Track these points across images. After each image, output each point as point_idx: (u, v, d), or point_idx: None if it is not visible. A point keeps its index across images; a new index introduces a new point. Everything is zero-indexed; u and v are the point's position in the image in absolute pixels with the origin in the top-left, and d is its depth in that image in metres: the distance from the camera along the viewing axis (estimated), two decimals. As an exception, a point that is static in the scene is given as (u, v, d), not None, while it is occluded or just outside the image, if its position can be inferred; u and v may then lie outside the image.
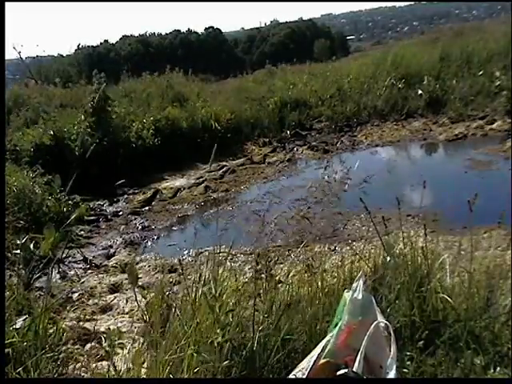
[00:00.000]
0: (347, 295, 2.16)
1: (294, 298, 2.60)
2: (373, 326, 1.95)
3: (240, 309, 2.36)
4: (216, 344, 2.12)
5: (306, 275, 3.00)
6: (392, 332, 1.93)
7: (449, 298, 2.45)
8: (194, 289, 2.51)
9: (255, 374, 2.17)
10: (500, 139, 7.43)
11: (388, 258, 2.73)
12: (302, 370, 1.96)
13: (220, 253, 4.66)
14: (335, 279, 2.82)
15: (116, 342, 2.30)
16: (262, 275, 2.76)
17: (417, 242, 2.85)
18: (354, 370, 1.81)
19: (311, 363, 1.94)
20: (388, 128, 9.30)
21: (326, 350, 1.99)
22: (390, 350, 1.89)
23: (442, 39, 13.39)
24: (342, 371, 1.84)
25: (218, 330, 2.15)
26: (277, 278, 3.12)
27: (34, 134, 7.90)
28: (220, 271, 2.66)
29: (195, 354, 2.07)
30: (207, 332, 2.20)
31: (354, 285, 2.16)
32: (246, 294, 2.52)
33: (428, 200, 5.28)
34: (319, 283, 2.69)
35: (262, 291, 2.60)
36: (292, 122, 9.90)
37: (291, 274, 3.29)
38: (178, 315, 2.41)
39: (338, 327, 2.05)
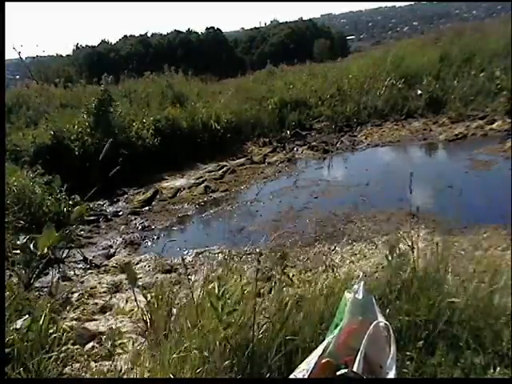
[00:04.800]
0: (348, 296, 2.16)
1: (295, 297, 2.61)
2: (372, 325, 1.95)
3: (243, 308, 2.36)
4: (218, 343, 2.13)
5: (306, 275, 3.00)
6: (392, 332, 1.93)
7: (449, 298, 2.45)
8: (198, 289, 2.51)
9: (256, 373, 2.17)
10: (500, 139, 7.43)
11: (389, 258, 2.73)
12: (302, 371, 1.96)
13: (220, 253, 4.67)
14: (335, 279, 2.83)
15: (117, 342, 2.30)
16: (268, 275, 2.76)
17: (417, 241, 2.85)
18: (354, 369, 1.81)
19: (312, 364, 1.94)
20: (388, 128, 9.30)
21: (327, 351, 1.99)
22: (390, 350, 1.89)
23: (442, 39, 13.38)
24: (341, 371, 1.84)
25: (221, 329, 2.15)
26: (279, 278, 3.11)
27: (34, 134, 7.90)
28: (221, 271, 2.67)
29: (197, 353, 2.07)
30: (211, 332, 2.20)
31: (355, 286, 2.16)
32: (247, 294, 2.52)
33: (428, 200, 5.28)
34: (320, 283, 2.69)
35: (263, 291, 2.61)
36: (292, 122, 9.90)
37: (291, 274, 3.29)
38: (183, 315, 2.41)
39: (338, 328, 2.05)
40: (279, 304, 2.46)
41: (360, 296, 2.09)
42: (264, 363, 2.19)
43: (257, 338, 2.22)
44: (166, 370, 2.08)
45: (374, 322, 1.96)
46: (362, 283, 2.13)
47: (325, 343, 2.04)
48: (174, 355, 2.11)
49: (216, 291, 2.24)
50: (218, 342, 2.13)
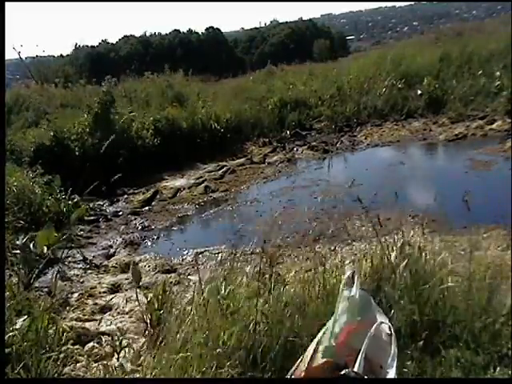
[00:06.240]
0: (346, 294, 2.15)
1: (295, 298, 2.60)
2: (374, 326, 1.95)
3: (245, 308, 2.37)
4: (221, 343, 2.14)
5: (306, 275, 3.00)
6: (393, 332, 1.92)
7: (449, 298, 2.45)
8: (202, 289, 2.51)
9: (257, 372, 2.17)
10: (500, 139, 7.42)
11: (390, 258, 2.73)
12: (298, 367, 1.97)
13: (220, 253, 4.66)
14: (335, 279, 2.82)
15: (118, 342, 2.30)
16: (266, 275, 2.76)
17: (417, 242, 2.85)
18: (355, 369, 1.81)
19: (307, 360, 1.95)
20: (388, 128, 9.29)
21: (326, 351, 1.99)
22: (391, 350, 1.89)
23: (442, 39, 13.38)
24: (342, 371, 1.84)
25: (226, 329, 2.17)
26: (279, 277, 3.11)
27: (34, 135, 7.90)
28: (222, 271, 2.67)
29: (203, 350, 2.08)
30: (215, 331, 2.22)
31: (345, 278, 2.15)
32: (248, 295, 2.53)
33: (428, 200, 5.28)
34: (320, 284, 2.69)
35: (263, 291, 2.60)
36: (292, 122, 9.89)
37: (291, 274, 3.29)
38: (187, 314, 2.42)
39: (335, 326, 2.04)
40: (278, 304, 2.46)
41: (357, 295, 2.07)
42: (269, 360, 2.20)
43: (260, 336, 2.23)
44: (170, 368, 2.08)
45: (377, 323, 1.96)
46: (358, 282, 2.12)
47: (319, 336, 2.03)
48: (181, 354, 2.12)
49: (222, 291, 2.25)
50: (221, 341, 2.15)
